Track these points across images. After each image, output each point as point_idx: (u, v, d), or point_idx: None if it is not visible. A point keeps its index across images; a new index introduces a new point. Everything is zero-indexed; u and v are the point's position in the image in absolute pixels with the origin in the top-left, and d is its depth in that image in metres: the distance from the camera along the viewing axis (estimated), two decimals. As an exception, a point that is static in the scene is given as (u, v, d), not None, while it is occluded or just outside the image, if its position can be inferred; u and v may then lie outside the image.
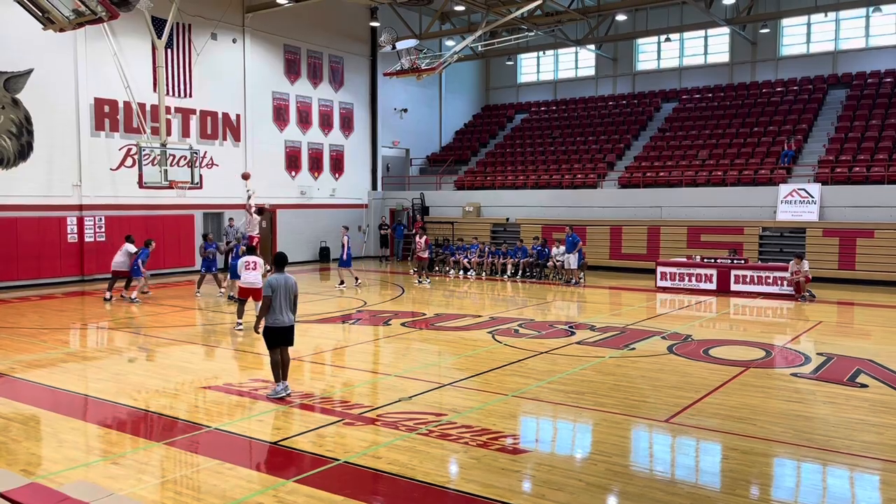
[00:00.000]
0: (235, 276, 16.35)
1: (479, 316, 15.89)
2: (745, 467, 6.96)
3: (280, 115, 28.68)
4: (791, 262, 19.40)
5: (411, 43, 26.09)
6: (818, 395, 9.54)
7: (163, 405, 9.02)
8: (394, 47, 26.43)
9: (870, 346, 12.75)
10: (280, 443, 7.55)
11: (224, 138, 26.60)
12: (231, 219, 25.22)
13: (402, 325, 14.84)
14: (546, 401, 9.16)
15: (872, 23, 29.34)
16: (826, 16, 29.70)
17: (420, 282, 22.39)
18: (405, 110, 34.08)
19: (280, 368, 9.33)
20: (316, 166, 30.18)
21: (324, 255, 29.64)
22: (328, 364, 11.61)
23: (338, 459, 7.01)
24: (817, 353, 11.98)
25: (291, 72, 29.00)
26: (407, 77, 27.16)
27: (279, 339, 9.23)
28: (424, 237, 23.36)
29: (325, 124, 30.53)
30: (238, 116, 27.03)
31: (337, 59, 30.76)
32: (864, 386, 9.85)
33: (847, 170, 23.88)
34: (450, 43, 32.34)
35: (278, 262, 9.60)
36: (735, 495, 6.26)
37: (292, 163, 29.25)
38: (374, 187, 32.76)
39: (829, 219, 22.82)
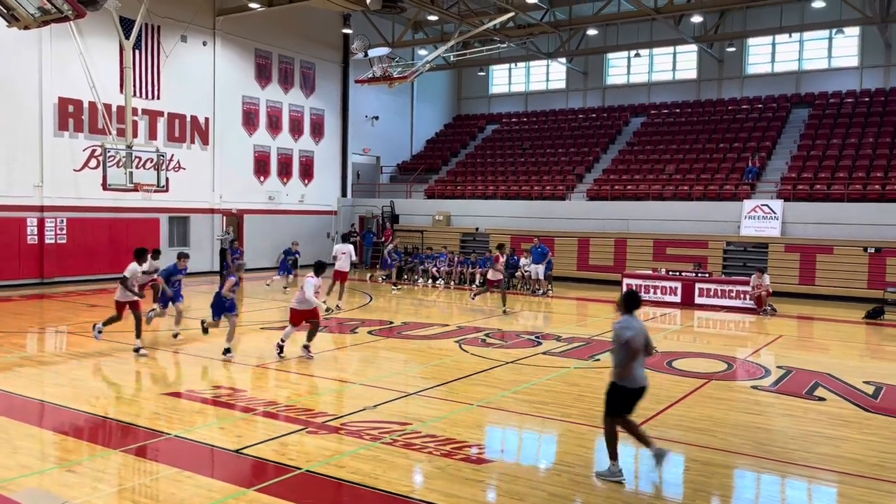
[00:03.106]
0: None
1: (447, 325, 15.89)
2: (705, 478, 7.05)
3: (250, 120, 28.44)
4: (753, 276, 19.78)
5: (384, 51, 26.11)
6: (777, 408, 9.71)
7: (122, 412, 8.84)
8: (366, 55, 26.40)
9: (828, 360, 13.01)
10: (241, 451, 7.45)
11: (192, 141, 26.29)
12: (229, 226, 25.11)
13: (370, 333, 14.77)
14: (511, 411, 9.18)
15: (835, 44, 30.10)
16: (790, 36, 30.40)
17: (505, 310, 18.26)
18: (376, 118, 34.06)
19: (618, 441, 7.03)
20: (285, 172, 29.97)
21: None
22: (293, 371, 11.49)
23: (300, 468, 6.94)
24: (777, 367, 12.19)
25: (262, 76, 28.80)
26: (379, 85, 27.15)
27: (632, 403, 7.13)
28: (502, 257, 19.18)
29: (296, 130, 30.36)
30: (207, 120, 26.75)
31: (308, 65, 30.64)
32: (821, 399, 10.04)
33: (808, 187, 24.41)
34: (422, 52, 32.44)
35: (630, 303, 7.25)
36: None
37: (261, 168, 29.01)
38: (344, 194, 32.63)
39: (791, 235, 23.28)
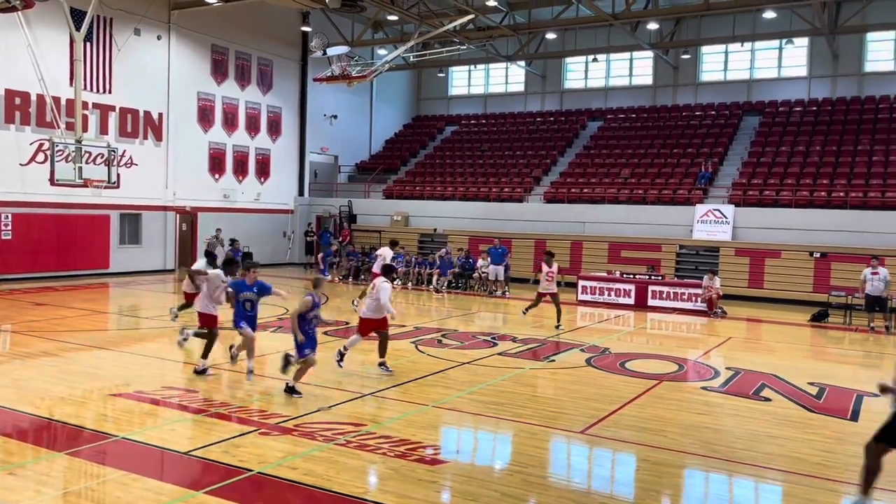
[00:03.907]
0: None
1: (404, 325, 15.85)
2: (655, 478, 7.17)
3: (205, 116, 27.97)
4: (705, 277, 20.24)
5: (343, 49, 25.98)
6: (725, 408, 9.93)
7: (68, 413, 8.61)
8: (324, 53, 26.21)
9: (775, 362, 13.35)
10: (191, 453, 7.32)
11: (145, 137, 25.74)
12: (218, 229, 24.67)
13: (325, 333, 14.63)
14: (466, 411, 9.20)
15: (785, 54, 30.93)
16: (742, 45, 31.14)
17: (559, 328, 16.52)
18: (335, 117, 33.82)
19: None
20: (241, 169, 29.56)
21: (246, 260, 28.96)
22: (245, 372, 11.32)
23: (252, 470, 6.85)
24: (726, 368, 12.47)
25: (218, 72, 28.35)
26: (337, 83, 26.99)
27: None
28: (554, 265, 16.65)
29: (252, 127, 29.96)
30: (160, 115, 26.21)
31: (266, 62, 30.26)
32: (767, 400, 10.31)
33: (758, 193, 25.04)
34: (382, 52, 32.35)
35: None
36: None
37: (216, 165, 28.55)
38: (301, 193, 32.32)
39: (741, 239, 23.85)
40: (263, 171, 30.58)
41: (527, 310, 17.24)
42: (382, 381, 10.60)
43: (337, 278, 25.25)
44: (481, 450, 8.20)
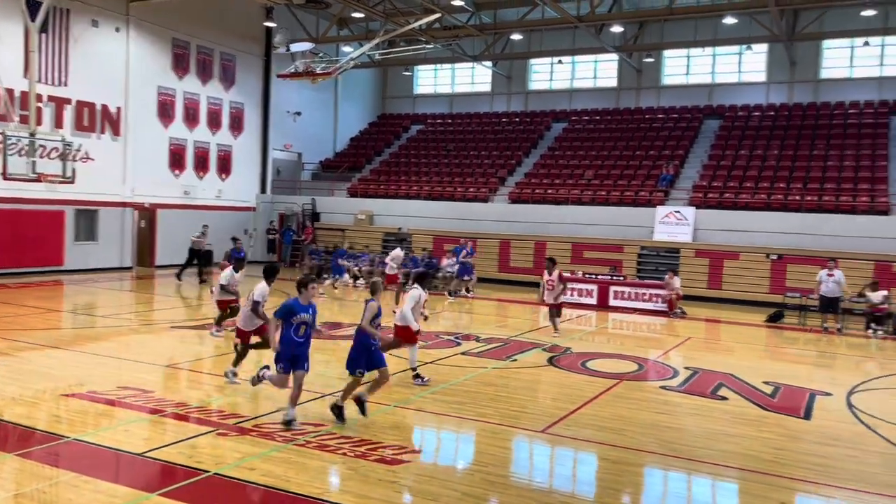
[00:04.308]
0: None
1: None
2: (615, 476, 7.24)
3: (165, 111, 27.46)
4: (666, 276, 20.57)
5: (307, 46, 25.74)
6: (684, 407, 10.07)
7: (19, 414, 8.36)
8: (288, 49, 25.96)
9: (732, 362, 13.59)
10: (146, 454, 7.16)
11: (102, 131, 25.17)
12: (205, 225, 24.17)
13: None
14: (428, 411, 9.18)
15: (744, 60, 31.51)
16: (704, 50, 31.64)
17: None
18: (299, 113, 33.47)
19: None
20: (202, 166, 29.09)
21: (206, 258, 28.48)
22: (207, 372, 11.17)
23: (208, 471, 6.73)
24: (685, 367, 12.65)
25: (179, 66, 27.85)
26: (301, 80, 26.74)
27: None
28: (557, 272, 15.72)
29: (214, 123, 29.50)
30: (119, 109, 25.66)
31: (229, 57, 29.83)
32: (724, 399, 10.48)
33: (718, 195, 25.47)
34: (347, 49, 32.12)
35: None
36: (604, 504, 6.48)
37: (176, 161, 28.05)
38: (264, 190, 31.94)
39: (701, 240, 24.23)
40: (225, 167, 30.15)
41: (554, 329, 15.59)
42: (344, 382, 10.47)
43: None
44: (442, 449, 8.19)
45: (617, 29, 29.17)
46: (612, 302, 21.13)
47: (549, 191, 28.08)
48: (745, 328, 18.40)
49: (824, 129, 28.00)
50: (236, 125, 30.52)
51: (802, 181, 25.25)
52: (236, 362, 10.36)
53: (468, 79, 37.75)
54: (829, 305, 18.00)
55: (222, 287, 13.53)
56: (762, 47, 30.37)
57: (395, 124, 37.95)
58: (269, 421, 8.37)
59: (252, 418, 8.48)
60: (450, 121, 36.86)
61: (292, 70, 25.62)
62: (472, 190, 29.50)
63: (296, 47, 25.35)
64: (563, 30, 30.86)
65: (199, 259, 23.47)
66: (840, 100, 29.31)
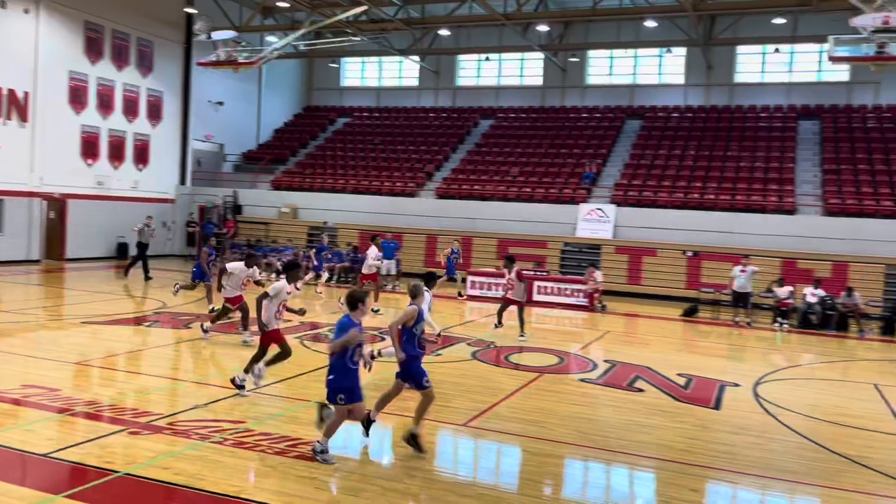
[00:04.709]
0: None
1: (289, 320, 15.44)
2: (536, 468, 7.34)
3: (77, 97, 26.24)
4: (587, 271, 21.07)
5: (229, 34, 25.01)
6: (602, 399, 10.32)
7: None
8: (209, 37, 25.17)
9: (648, 355, 14.01)
10: (52, 454, 6.83)
11: (8, 117, 23.86)
12: (149, 217, 22.91)
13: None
14: (350, 406, 9.07)
15: (664, 62, 32.54)
16: (626, 52, 32.51)
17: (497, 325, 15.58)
18: (221, 103, 32.60)
19: None
20: (117, 155, 27.96)
21: (121, 251, 27.47)
22: (120, 369, 10.75)
23: (118, 471, 6.48)
24: (604, 360, 12.97)
25: (93, 51, 26.65)
26: (223, 69, 26.02)
27: None
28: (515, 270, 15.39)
29: (130, 111, 28.38)
30: (27, 94, 24.38)
31: (146, 43, 28.74)
32: (640, 391, 10.79)
33: (638, 193, 26.22)
34: (271, 39, 31.43)
35: None
36: (527, 495, 6.56)
37: (89, 150, 26.86)
38: (183, 182, 30.96)
39: (621, 237, 24.91)
40: (142, 157, 29.07)
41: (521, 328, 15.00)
42: (265, 378, 10.28)
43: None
44: (363, 444, 8.11)
45: (543, 28, 29.61)
46: (535, 297, 21.46)
47: (476, 187, 28.29)
48: (662, 322, 19.01)
49: (738, 131, 29.21)
50: (154, 114, 29.46)
51: (717, 181, 26.27)
52: (255, 361, 9.42)
53: (395, 73, 37.60)
54: (740, 300, 18.80)
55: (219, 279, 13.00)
56: (681, 51, 31.43)
57: (321, 116, 37.45)
58: (184, 419, 8.11)
59: (166, 416, 8.20)
60: (377, 114, 36.63)
61: (213, 58, 24.89)
62: (399, 184, 29.42)
63: (217, 35, 24.60)
64: (490, 27, 31.12)
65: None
66: (753, 103, 30.64)
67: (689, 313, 20.09)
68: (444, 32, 31.89)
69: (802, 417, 9.71)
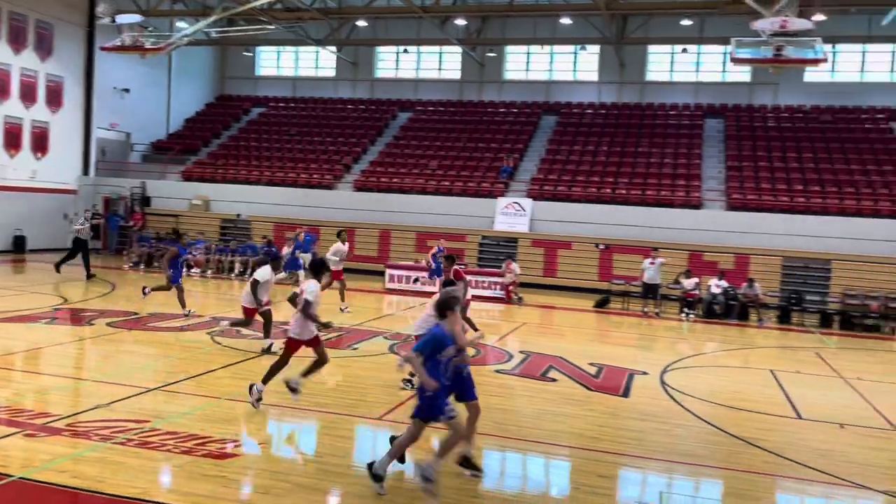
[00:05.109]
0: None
1: (201, 316, 15.01)
2: (451, 460, 7.35)
3: (-31, 81, 24.59)
4: (504, 264, 21.37)
5: (135, 18, 23.88)
6: (517, 390, 10.48)
7: None
8: (113, 20, 24.00)
9: (562, 345, 14.33)
10: (-66, 462, 6.38)
11: None
12: (87, 210, 21.24)
13: (109, 325, 13.49)
14: (263, 403, 8.87)
15: (579, 59, 33.24)
16: (542, 48, 33.04)
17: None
18: (127, 90, 31.19)
19: None
20: (13, 143, 26.35)
21: (18, 244, 25.97)
22: (16, 369, 10.17)
23: (12, 476, 6.11)
24: (519, 351, 13.18)
25: (-13, 32, 25.03)
26: (129, 54, 24.90)
27: None
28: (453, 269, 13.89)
29: (28, 97, 26.77)
30: (-89, 76, 22.67)
31: (46, 26, 27.16)
32: (554, 380, 11.02)
33: (553, 188, 26.75)
34: (181, 24, 30.30)
35: None
36: (445, 487, 6.57)
37: (-17, 137, 25.24)
38: (86, 172, 29.48)
39: (538, 231, 25.36)
40: (41, 146, 27.50)
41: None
42: (172, 375, 9.95)
43: (127, 265, 23.44)
44: (276, 441, 7.96)
45: (460, 22, 29.72)
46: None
47: (395, 179, 28.18)
48: (576, 313, 19.48)
49: (648, 128, 30.19)
50: (54, 100, 27.91)
51: (629, 176, 27.08)
52: (272, 374, 8.65)
53: (312, 63, 36.99)
54: (649, 291, 19.48)
55: (254, 286, 11.32)
56: (595, 49, 32.18)
57: (234, 106, 36.42)
58: (85, 419, 7.74)
59: (64, 417, 7.80)
60: (293, 105, 35.94)
61: (118, 43, 23.73)
62: (315, 176, 28.99)
63: (122, 19, 23.44)
64: (408, 19, 31.01)
65: (84, 250, 20.47)
66: (662, 101, 31.72)
67: (601, 304, 20.66)
68: (361, 23, 31.54)
69: (704, 403, 10.14)
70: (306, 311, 8.46)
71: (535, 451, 7.83)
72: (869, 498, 7.14)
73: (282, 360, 8.65)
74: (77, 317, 14.18)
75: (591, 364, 12.22)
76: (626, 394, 10.47)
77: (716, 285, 20.31)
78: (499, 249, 25.01)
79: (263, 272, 11.30)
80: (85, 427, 7.47)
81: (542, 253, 24.71)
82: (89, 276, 19.93)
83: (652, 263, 19.39)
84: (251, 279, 11.40)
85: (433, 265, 19.51)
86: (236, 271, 23.24)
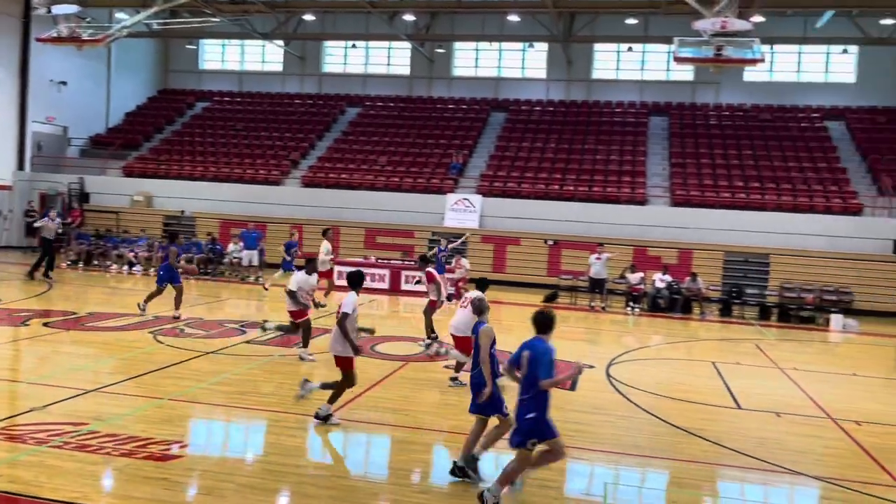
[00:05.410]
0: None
1: (142, 315, 14.63)
2: (402, 456, 7.37)
3: None
4: (454, 260, 21.41)
5: (72, 9, 23.00)
6: (465, 387, 10.46)
7: None
8: (49, 10, 23.14)
9: (510, 340, 14.33)
10: None
11: None
12: (51, 208, 19.98)
13: (45, 325, 13.05)
14: (205, 403, 8.73)
15: (528, 57, 33.48)
16: (491, 45, 33.17)
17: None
18: (64, 83, 30.10)
19: None
20: (-57, 137, 25.25)
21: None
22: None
23: (-62, 484, 5.86)
24: (468, 347, 13.18)
25: (-88, 20, 23.87)
26: (66, 46, 24.05)
27: None
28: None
29: (-41, 88, 25.69)
30: None
31: (-23, 14, 26.07)
32: (501, 375, 11.04)
33: (503, 184, 26.90)
34: (121, 15, 29.42)
35: None
36: (397, 484, 6.56)
37: None
38: (21, 167, 28.40)
39: (487, 227, 25.47)
40: (-27, 139, 26.40)
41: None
42: (111, 376, 9.67)
43: (64, 263, 22.69)
44: (218, 442, 7.82)
45: (409, 18, 29.61)
46: (403, 286, 21.54)
47: (344, 175, 27.96)
48: (525, 308, 19.57)
49: (595, 125, 30.61)
50: (-13, 92, 26.82)
51: (576, 173, 27.42)
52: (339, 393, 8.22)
53: (258, 57, 36.37)
54: (596, 286, 19.77)
55: (292, 295, 11.13)
56: (543, 46, 32.44)
57: (178, 100, 35.56)
58: (19, 423, 7.47)
59: (0, 420, 7.52)
60: (239, 99, 35.29)
61: (54, 34, 22.86)
62: (262, 172, 28.55)
63: (59, 9, 22.54)
64: (357, 14, 30.75)
65: (50, 252, 19.42)
66: (609, 99, 32.17)
67: (550, 299, 20.88)
68: (309, 17, 31.17)
69: (649, 395, 10.34)
70: (342, 324, 8.06)
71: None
72: (803, 484, 7.39)
73: (345, 381, 8.19)
74: (12, 317, 13.66)
75: (539, 358, 12.31)
76: (573, 387, 10.59)
77: (660, 280, 20.73)
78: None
79: (298, 278, 11.23)
80: (20, 430, 7.22)
81: (492, 249, 24.83)
82: (31, 274, 19.03)
83: (598, 259, 19.67)
84: (287, 289, 11.24)
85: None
86: (180, 269, 22.68)
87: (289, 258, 18.83)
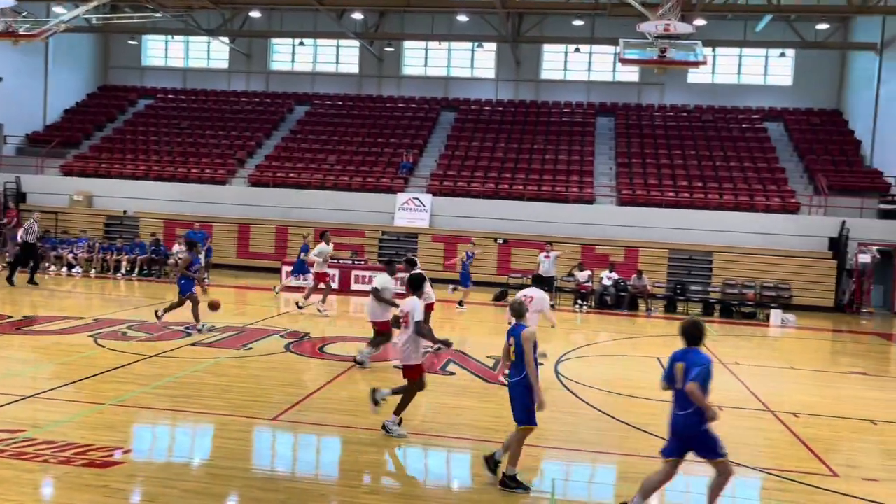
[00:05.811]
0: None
1: (82, 318, 14.20)
2: (351, 457, 7.32)
3: None
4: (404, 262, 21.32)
5: (7, 2, 22.19)
6: (416, 384, 10.46)
7: None
8: (-16, 3, 22.30)
9: (462, 338, 14.45)
10: None
11: None
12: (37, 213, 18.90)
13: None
14: (148, 407, 8.51)
15: (477, 57, 33.62)
16: (440, 44, 33.20)
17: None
18: (0, 78, 29.04)
19: None
20: None
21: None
22: None
23: None
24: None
25: None
26: (2, 40, 23.19)
27: None
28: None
29: None
30: None
31: None
32: (451, 374, 11.12)
33: (453, 183, 26.96)
34: (59, 10, 28.48)
35: None
36: (347, 486, 6.50)
37: None
38: (-46, 165, 27.33)
39: (437, 226, 25.49)
40: None
41: None
42: (49, 381, 9.36)
43: (0, 265, 21.84)
44: (161, 447, 7.64)
45: (358, 16, 29.43)
46: (353, 286, 21.40)
47: (292, 174, 27.63)
48: (475, 307, 19.72)
49: (544, 125, 30.93)
50: (-85, 87, 25.65)
51: (525, 172, 27.65)
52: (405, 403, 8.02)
53: (203, 54, 35.66)
54: (539, 284, 19.92)
55: (378, 296, 10.87)
56: (492, 46, 32.63)
57: (119, 97, 34.62)
58: (-52, 432, 7.15)
59: (-75, 431, 7.19)
60: (183, 97, 34.55)
61: (-11, 28, 22.06)
62: (208, 171, 28.00)
63: (-7, 2, 21.81)
64: (304, 11, 30.42)
65: (34, 257, 18.88)
66: (557, 99, 32.53)
67: (499, 298, 20.99)
68: (255, 14, 30.69)
69: (596, 391, 10.51)
70: (419, 330, 7.93)
71: (434, 444, 7.87)
72: (746, 475, 7.59)
73: (412, 390, 8.05)
74: (-58, 322, 13.11)
75: (489, 357, 12.40)
76: (522, 385, 10.68)
77: (607, 277, 21.07)
78: (399, 245, 24.98)
79: (382, 279, 10.88)
80: (-51, 440, 6.92)
81: (442, 248, 24.84)
82: (9, 276, 18.42)
83: (547, 257, 19.88)
84: (371, 288, 10.87)
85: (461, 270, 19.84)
86: (123, 270, 22.13)
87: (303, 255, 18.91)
